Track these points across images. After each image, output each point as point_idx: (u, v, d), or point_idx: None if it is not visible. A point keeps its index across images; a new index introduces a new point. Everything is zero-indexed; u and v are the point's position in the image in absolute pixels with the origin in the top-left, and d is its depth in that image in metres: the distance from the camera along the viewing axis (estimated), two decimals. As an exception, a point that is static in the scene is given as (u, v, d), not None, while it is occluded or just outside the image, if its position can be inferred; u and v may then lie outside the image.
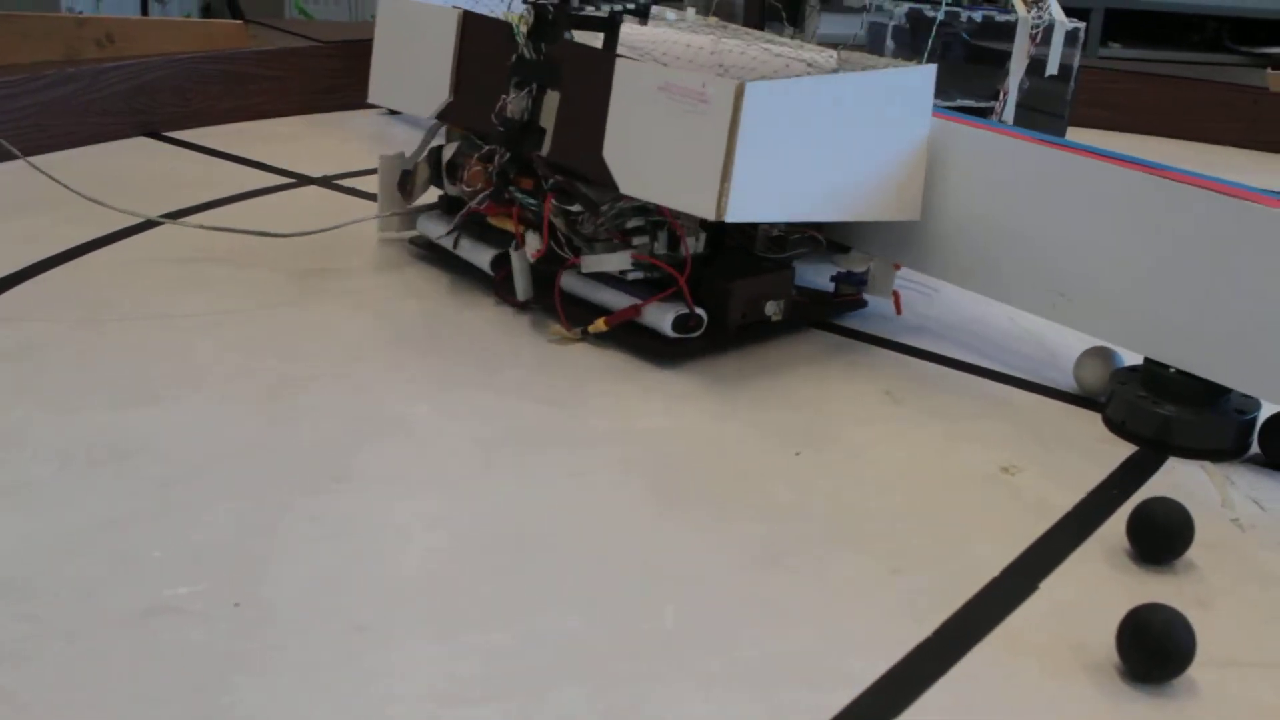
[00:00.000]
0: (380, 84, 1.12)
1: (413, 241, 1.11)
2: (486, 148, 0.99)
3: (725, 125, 0.82)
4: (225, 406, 0.82)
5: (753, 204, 0.85)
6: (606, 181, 0.90)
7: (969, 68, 1.23)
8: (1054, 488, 0.79)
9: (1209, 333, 0.83)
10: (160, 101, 1.45)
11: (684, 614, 0.64)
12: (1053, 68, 1.17)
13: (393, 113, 1.58)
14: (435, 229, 1.06)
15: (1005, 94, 1.17)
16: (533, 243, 0.95)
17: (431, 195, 1.11)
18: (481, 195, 0.99)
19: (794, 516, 0.74)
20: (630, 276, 0.94)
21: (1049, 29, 1.16)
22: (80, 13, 2.10)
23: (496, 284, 1.00)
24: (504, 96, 0.96)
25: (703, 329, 0.93)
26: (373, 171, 1.32)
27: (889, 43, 1.25)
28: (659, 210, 0.93)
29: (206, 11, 4.75)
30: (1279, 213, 0.80)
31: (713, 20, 1.14)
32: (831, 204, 0.91)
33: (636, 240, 0.94)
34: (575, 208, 0.94)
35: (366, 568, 0.66)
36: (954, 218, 0.96)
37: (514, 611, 0.63)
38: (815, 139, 0.88)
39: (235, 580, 0.64)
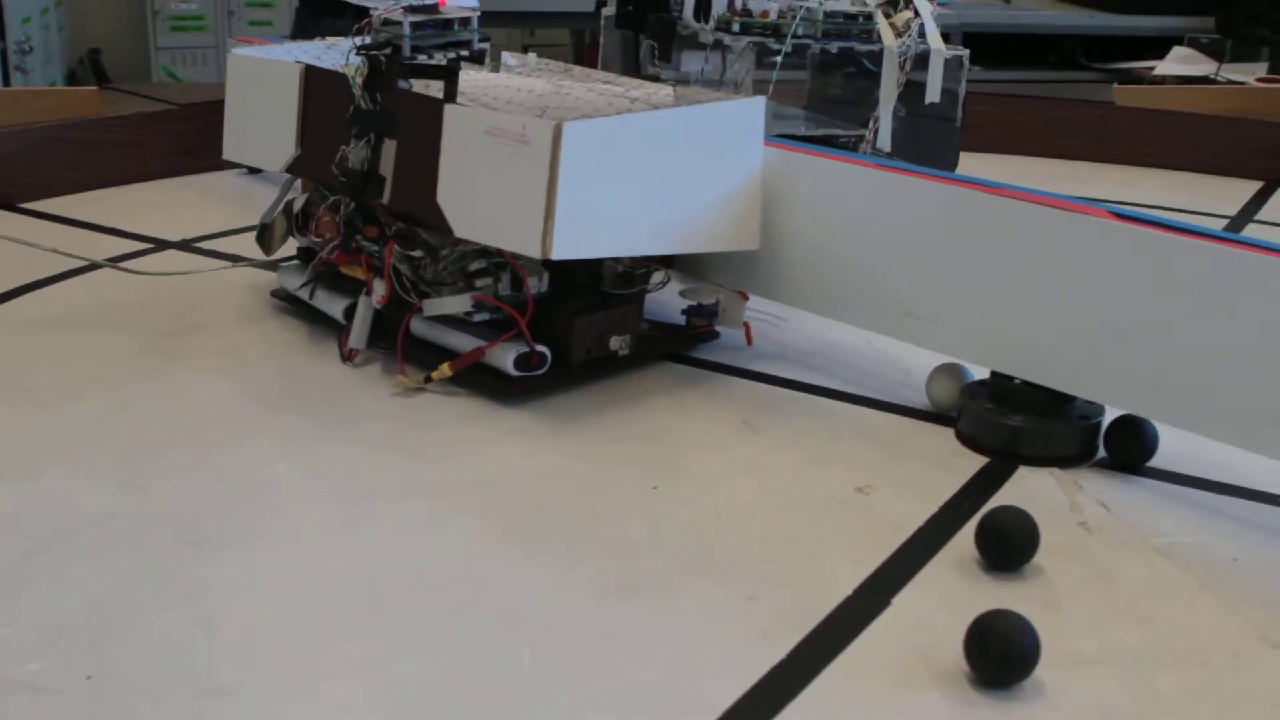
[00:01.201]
0: (233, 141, 1.12)
1: (274, 294, 1.11)
2: (333, 198, 1.00)
3: (546, 164, 0.84)
4: (77, 479, 0.81)
5: (579, 241, 0.87)
6: (442, 226, 0.91)
7: (843, 96, 1.25)
8: (907, 504, 0.81)
9: (1044, 343, 0.86)
10: (13, 174, 1.43)
11: (542, 653, 0.64)
12: (933, 95, 1.18)
13: (253, 171, 1.57)
14: (293, 280, 1.07)
15: (876, 122, 1.19)
16: (379, 289, 0.96)
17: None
18: (330, 245, 1.00)
19: (650, 550, 0.75)
20: (476, 319, 0.95)
21: (922, 56, 1.17)
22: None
23: (342, 335, 1.00)
24: (344, 147, 0.97)
25: (546, 366, 0.94)
26: (233, 232, 1.33)
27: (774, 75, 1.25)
28: (500, 252, 0.94)
29: (71, 78, 4.69)
30: (1094, 220, 0.83)
31: (555, 64, 1.16)
32: (663, 237, 0.93)
33: (480, 282, 0.95)
34: (417, 253, 0.95)
35: (223, 631, 0.66)
36: (797, 245, 0.98)
37: (372, 664, 0.63)
38: (641, 174, 0.90)
39: (88, 652, 0.63)
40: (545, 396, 0.95)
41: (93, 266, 1.19)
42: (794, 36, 1.25)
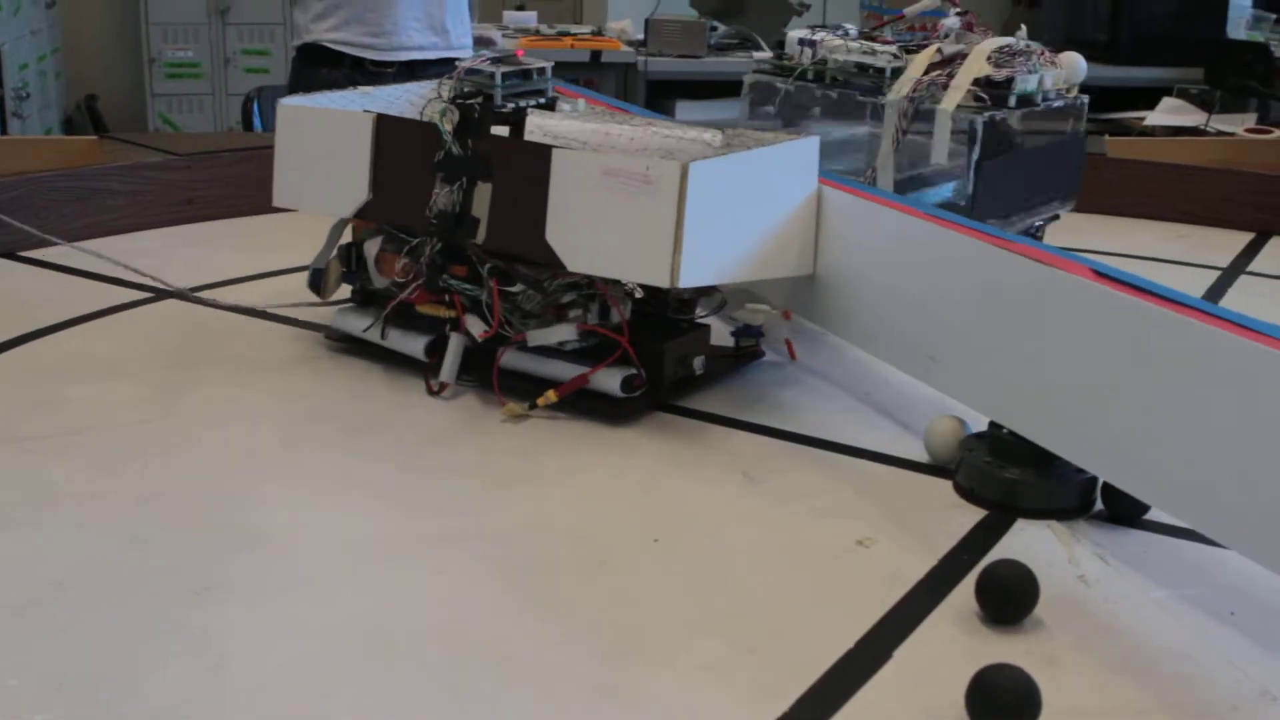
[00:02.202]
0: (286, 188, 1.15)
1: (328, 335, 1.14)
2: (415, 240, 1.04)
3: (673, 201, 0.92)
4: (84, 527, 0.82)
5: (699, 270, 0.96)
6: (551, 261, 0.97)
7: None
8: (907, 557, 0.81)
9: (1028, 397, 0.86)
10: (14, 222, 1.44)
11: (541, 708, 0.65)
12: (939, 157, 1.14)
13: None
14: (354, 322, 1.11)
15: (873, 173, 1.19)
16: (477, 325, 1.01)
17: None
18: (413, 286, 1.04)
19: (651, 602, 0.75)
20: (569, 347, 1.01)
21: (926, 112, 1.14)
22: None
23: (428, 369, 1.05)
24: (434, 191, 1.02)
25: (645, 387, 1.01)
26: (234, 281, 1.34)
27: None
28: (590, 283, 1.00)
29: (68, 124, 4.71)
30: (1078, 280, 0.82)
31: (600, 108, 1.18)
32: (754, 265, 1.01)
33: (572, 313, 1.01)
34: (515, 288, 1.00)
35: (229, 679, 0.66)
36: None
37: (377, 715, 0.63)
38: (740, 208, 0.98)
39: (95, 702, 0.64)
40: (542, 447, 0.95)
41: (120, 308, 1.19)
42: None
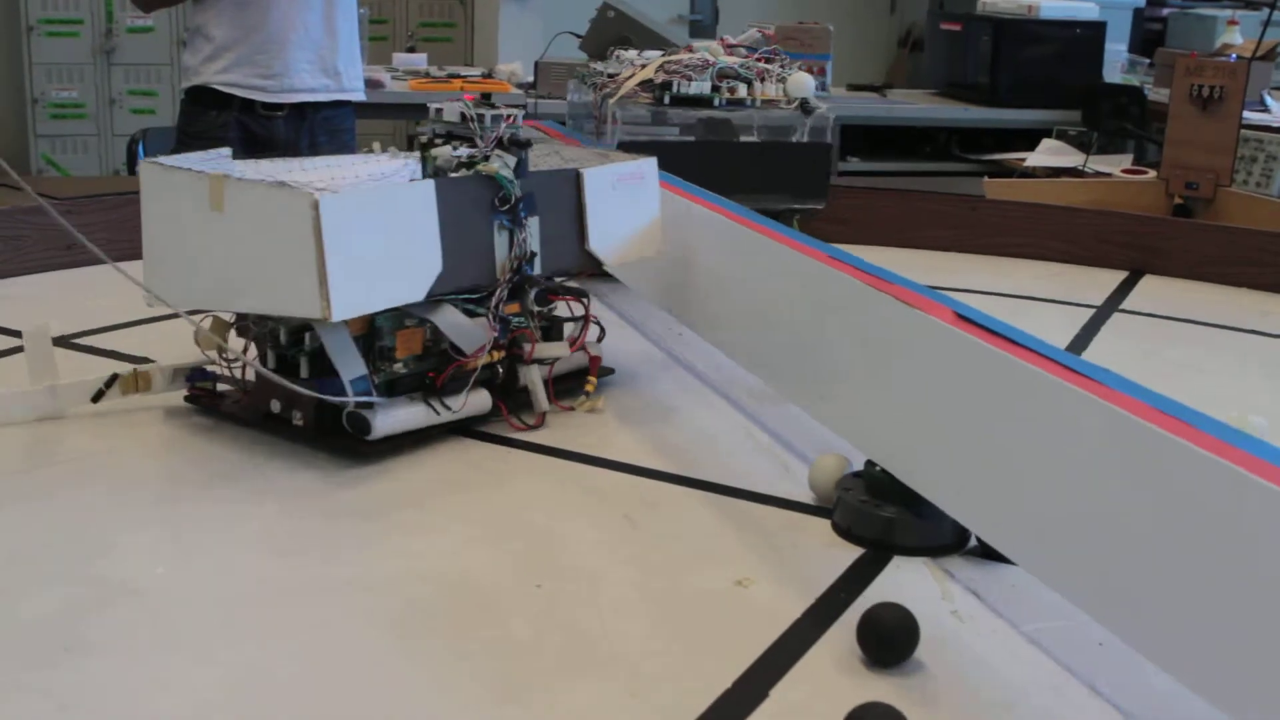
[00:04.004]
0: (343, 292, 0.94)
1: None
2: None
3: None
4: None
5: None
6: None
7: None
8: (785, 597, 0.82)
9: (902, 439, 0.88)
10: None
11: (423, 756, 0.65)
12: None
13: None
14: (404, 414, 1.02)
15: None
16: (561, 348, 1.11)
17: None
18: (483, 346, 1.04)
19: (531, 650, 0.75)
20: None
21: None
22: None
23: (507, 412, 1.07)
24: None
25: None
26: (116, 327, 1.32)
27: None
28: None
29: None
30: (937, 322, 0.83)
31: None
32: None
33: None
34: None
35: (97, 741, 0.65)
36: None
37: (250, 771, 0.63)
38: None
39: (-43, 767, 0.62)
40: (426, 490, 0.95)
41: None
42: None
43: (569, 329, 1.15)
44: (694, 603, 0.82)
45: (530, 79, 3.89)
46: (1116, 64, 4.39)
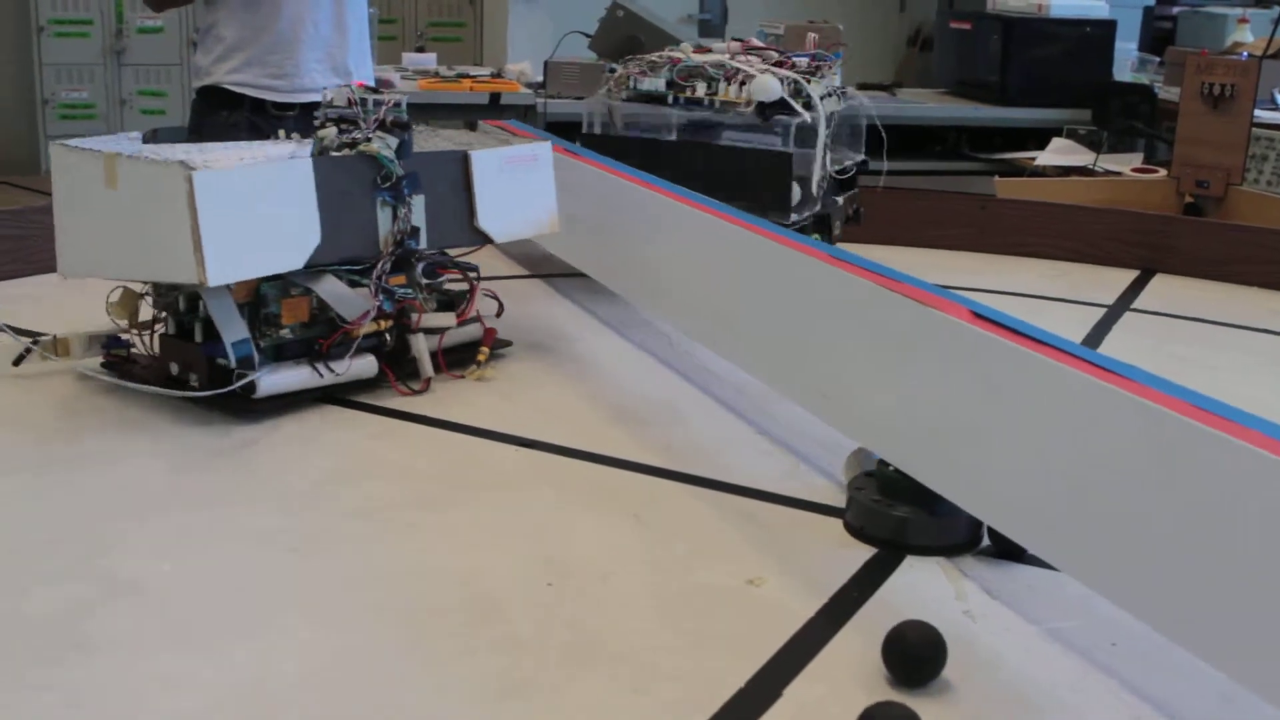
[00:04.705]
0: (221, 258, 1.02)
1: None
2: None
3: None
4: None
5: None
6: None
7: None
8: (797, 596, 0.82)
9: (918, 437, 0.88)
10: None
11: (434, 755, 0.64)
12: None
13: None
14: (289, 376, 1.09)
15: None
16: (448, 318, 1.17)
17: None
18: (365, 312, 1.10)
19: (536, 646, 0.75)
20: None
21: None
22: None
23: (394, 378, 1.14)
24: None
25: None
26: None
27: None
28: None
29: (-42, 168, 4.62)
30: (955, 320, 0.84)
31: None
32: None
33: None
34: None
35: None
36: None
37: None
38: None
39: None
40: (431, 490, 0.95)
41: None
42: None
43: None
44: (704, 601, 0.81)
45: (540, 79, 3.89)
46: (1127, 62, 4.38)
